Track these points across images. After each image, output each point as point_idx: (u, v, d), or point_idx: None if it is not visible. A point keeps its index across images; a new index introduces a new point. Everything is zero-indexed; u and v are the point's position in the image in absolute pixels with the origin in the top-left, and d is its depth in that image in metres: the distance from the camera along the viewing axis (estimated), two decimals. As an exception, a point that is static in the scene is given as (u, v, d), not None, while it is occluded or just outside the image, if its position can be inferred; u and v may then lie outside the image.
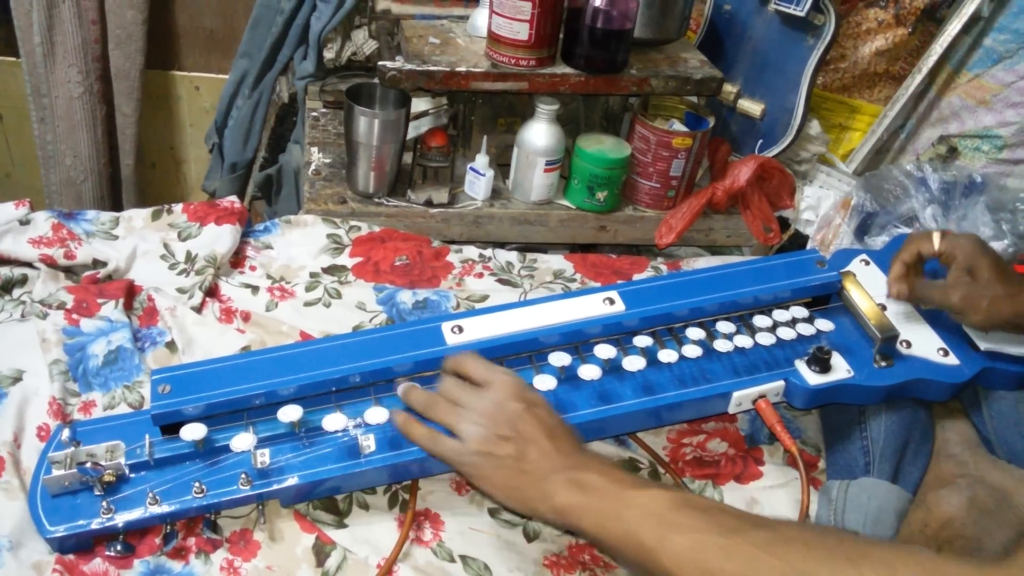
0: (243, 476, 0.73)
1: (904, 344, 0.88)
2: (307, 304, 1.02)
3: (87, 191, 1.79)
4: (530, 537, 0.78)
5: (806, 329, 0.89)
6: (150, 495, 0.71)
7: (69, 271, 1.01)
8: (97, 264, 1.00)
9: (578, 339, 0.86)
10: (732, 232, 1.33)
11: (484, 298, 1.06)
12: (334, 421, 0.75)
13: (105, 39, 1.64)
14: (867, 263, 0.97)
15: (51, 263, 0.98)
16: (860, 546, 0.55)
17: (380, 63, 1.15)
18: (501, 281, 1.11)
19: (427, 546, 0.76)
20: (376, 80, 1.18)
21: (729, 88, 1.38)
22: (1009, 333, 0.85)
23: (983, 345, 0.87)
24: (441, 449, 0.70)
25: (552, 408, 0.71)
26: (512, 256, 1.16)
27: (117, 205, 1.87)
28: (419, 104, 1.33)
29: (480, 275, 1.11)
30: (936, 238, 0.85)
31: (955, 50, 1.33)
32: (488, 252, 1.16)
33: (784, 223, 1.40)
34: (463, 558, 0.75)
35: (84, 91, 1.67)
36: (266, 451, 0.75)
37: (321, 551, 0.74)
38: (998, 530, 0.78)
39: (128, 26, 1.61)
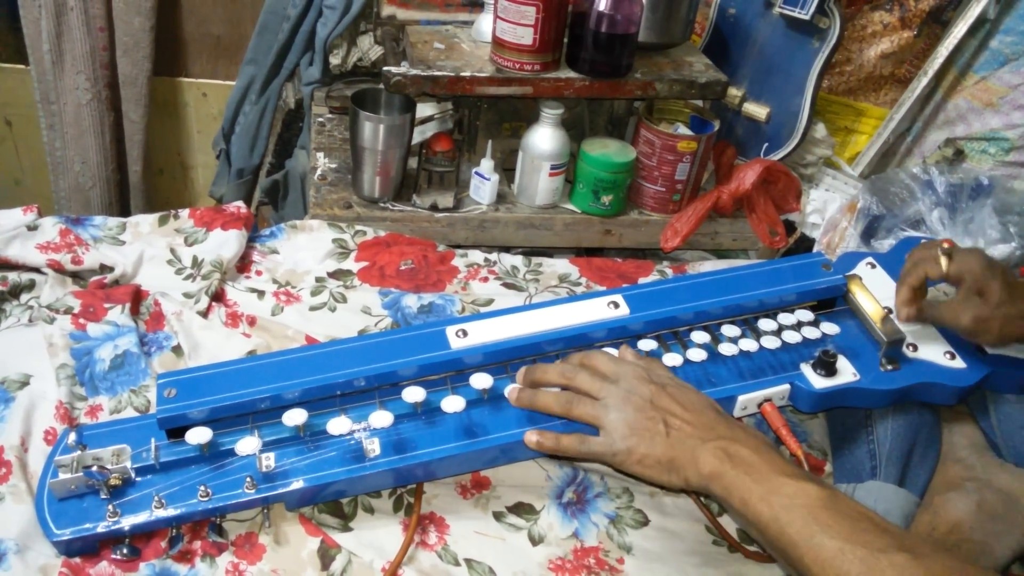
0: (248, 480, 0.73)
1: (910, 347, 0.87)
2: (312, 308, 1.02)
3: (95, 197, 1.80)
4: (535, 541, 0.78)
5: (811, 333, 0.88)
6: (156, 499, 0.71)
7: (76, 276, 1.01)
8: (104, 269, 1.01)
9: (583, 343, 0.86)
10: (738, 236, 1.33)
11: (489, 302, 1.06)
12: (339, 425, 0.76)
13: (113, 46, 1.65)
14: (873, 266, 0.97)
15: (58, 268, 0.99)
16: None
17: (385, 68, 1.15)
18: (506, 285, 1.11)
19: (432, 550, 0.76)
20: (381, 85, 1.18)
21: (734, 92, 1.38)
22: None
23: (990, 349, 0.86)
24: (591, 448, 0.72)
25: (686, 383, 0.74)
26: (517, 260, 1.16)
27: (125, 211, 1.88)
28: (424, 109, 1.34)
29: (485, 279, 1.12)
30: (943, 261, 0.83)
31: (961, 52, 1.32)
32: (493, 256, 1.16)
33: (790, 226, 1.40)
34: (468, 561, 0.76)
35: (92, 98, 1.68)
36: (271, 455, 0.75)
37: (326, 555, 0.74)
38: (1006, 534, 0.78)
39: (136, 33, 1.62)
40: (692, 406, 0.71)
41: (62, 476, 0.71)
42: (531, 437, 0.75)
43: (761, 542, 0.67)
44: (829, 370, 0.84)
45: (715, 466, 0.65)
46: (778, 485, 0.62)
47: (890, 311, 0.90)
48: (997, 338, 0.81)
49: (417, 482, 0.79)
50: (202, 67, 1.81)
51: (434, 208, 1.24)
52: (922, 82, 1.33)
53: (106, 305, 0.94)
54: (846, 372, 0.85)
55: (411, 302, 1.04)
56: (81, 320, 0.92)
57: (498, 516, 0.80)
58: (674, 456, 0.68)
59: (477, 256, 1.16)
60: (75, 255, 0.99)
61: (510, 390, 0.80)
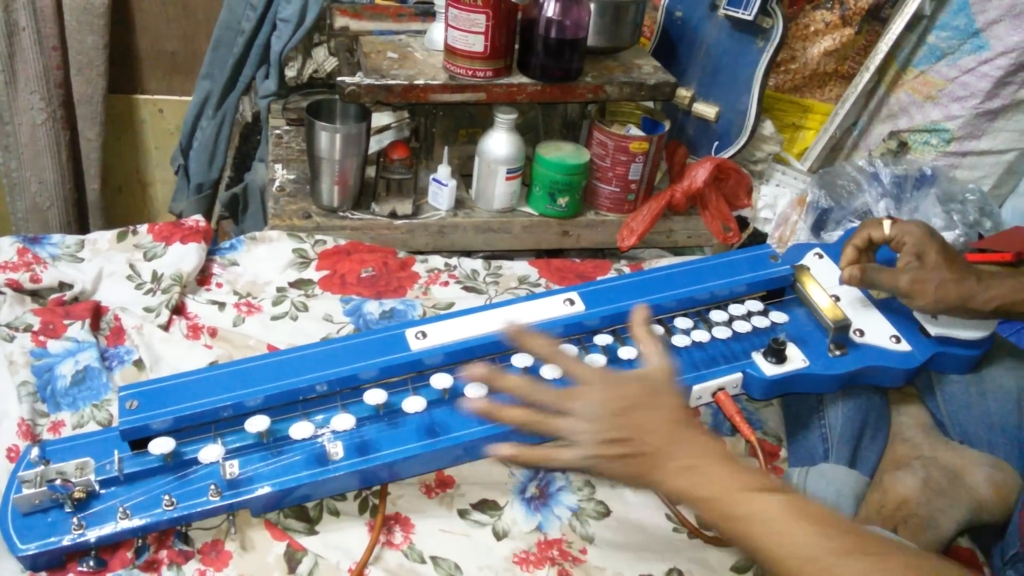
0: (212, 487, 0.74)
1: (857, 333, 0.90)
2: (274, 318, 1.03)
3: (53, 217, 1.78)
4: (499, 536, 0.80)
5: (761, 322, 0.91)
6: (121, 510, 0.72)
7: (35, 295, 1.01)
8: (63, 287, 1.01)
9: (540, 340, 0.88)
10: (692, 233, 1.36)
11: (450, 306, 1.07)
12: (301, 429, 0.76)
13: (67, 65, 1.64)
14: (820, 256, 1.00)
15: (17, 287, 0.99)
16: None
17: (339, 79, 1.17)
18: (467, 288, 1.12)
19: (398, 549, 0.77)
20: (336, 96, 1.20)
21: (684, 92, 1.41)
22: (957, 318, 0.88)
23: (933, 331, 0.89)
24: (561, 462, 0.69)
25: (653, 388, 0.70)
26: (477, 264, 1.18)
27: (84, 230, 1.86)
28: (381, 118, 1.35)
29: (446, 283, 1.13)
30: (887, 224, 0.87)
31: (901, 48, 1.37)
32: (453, 261, 1.18)
33: (743, 222, 1.43)
34: (434, 559, 0.77)
35: (47, 117, 1.67)
36: (235, 462, 0.76)
37: (292, 558, 0.75)
38: (951, 508, 0.81)
39: (89, 51, 1.62)
40: (659, 423, 0.68)
41: (26, 491, 0.71)
42: (503, 451, 0.71)
43: (743, 553, 0.69)
44: (779, 358, 0.87)
45: (684, 485, 0.66)
46: (743, 501, 0.63)
47: (837, 298, 0.93)
48: (932, 301, 0.83)
49: (382, 483, 0.80)
50: (157, 83, 1.81)
51: (393, 215, 1.26)
52: (864, 77, 1.38)
53: (66, 322, 0.94)
54: (796, 359, 0.87)
55: (373, 308, 1.05)
56: (41, 337, 0.92)
57: (463, 513, 0.81)
58: (638, 475, 0.68)
59: (437, 261, 1.17)
60: (33, 274, 0.99)
61: (465, 400, 0.74)
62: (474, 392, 0.79)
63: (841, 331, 0.89)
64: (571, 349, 0.81)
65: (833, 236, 1.30)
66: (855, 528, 0.61)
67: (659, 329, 0.89)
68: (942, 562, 0.60)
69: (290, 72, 1.52)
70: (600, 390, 0.68)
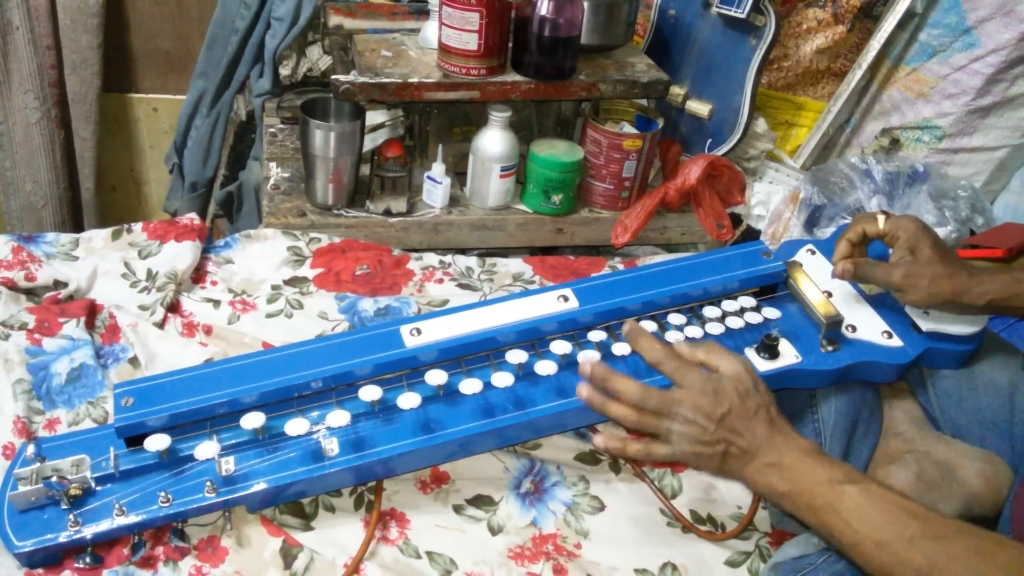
0: (208, 484, 0.74)
1: (849, 328, 0.91)
2: (269, 316, 1.03)
3: (48, 216, 1.78)
4: (494, 531, 0.80)
5: (754, 318, 0.92)
6: (117, 506, 0.72)
7: (30, 293, 1.01)
8: (58, 285, 1.01)
9: (534, 336, 0.88)
10: (686, 230, 1.37)
11: (445, 303, 1.08)
12: (297, 426, 0.77)
13: (61, 64, 1.64)
14: (813, 252, 1.00)
15: (12, 286, 0.99)
16: None
17: (333, 77, 1.17)
18: (461, 286, 1.13)
19: (393, 544, 0.78)
20: (331, 94, 1.20)
21: (677, 90, 1.42)
22: (949, 313, 0.88)
23: (925, 326, 0.90)
24: (657, 456, 0.75)
25: (746, 391, 0.73)
26: (472, 261, 1.18)
27: (79, 229, 1.85)
28: (376, 116, 1.36)
29: (440, 281, 1.13)
30: (880, 219, 0.88)
31: (892, 46, 1.37)
32: (448, 258, 1.18)
33: (736, 219, 1.44)
34: (429, 554, 0.77)
35: (42, 116, 1.67)
36: (231, 458, 0.76)
37: (288, 554, 0.75)
38: (943, 502, 0.82)
39: (83, 51, 1.62)
40: (748, 426, 0.72)
41: (22, 488, 0.71)
42: (598, 440, 0.76)
43: (827, 541, 0.73)
44: (772, 353, 0.87)
45: (766, 486, 0.71)
46: (819, 494, 0.68)
47: (829, 294, 0.93)
48: (925, 296, 0.84)
49: (377, 479, 0.81)
50: (152, 82, 1.81)
51: (388, 213, 1.26)
52: (857, 75, 1.38)
53: (61, 320, 0.94)
54: (788, 354, 0.88)
55: (367, 306, 1.05)
56: (36, 335, 0.92)
57: (458, 509, 0.82)
58: (728, 472, 0.73)
59: (432, 259, 1.18)
60: (28, 272, 0.99)
61: (581, 386, 0.77)
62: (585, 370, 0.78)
63: (833, 327, 0.89)
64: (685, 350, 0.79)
65: (826, 233, 1.31)
66: (925, 513, 0.65)
67: (651, 326, 0.90)
68: (1004, 542, 0.63)
69: (284, 71, 1.52)
70: (698, 395, 0.73)
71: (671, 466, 0.88)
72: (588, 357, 0.84)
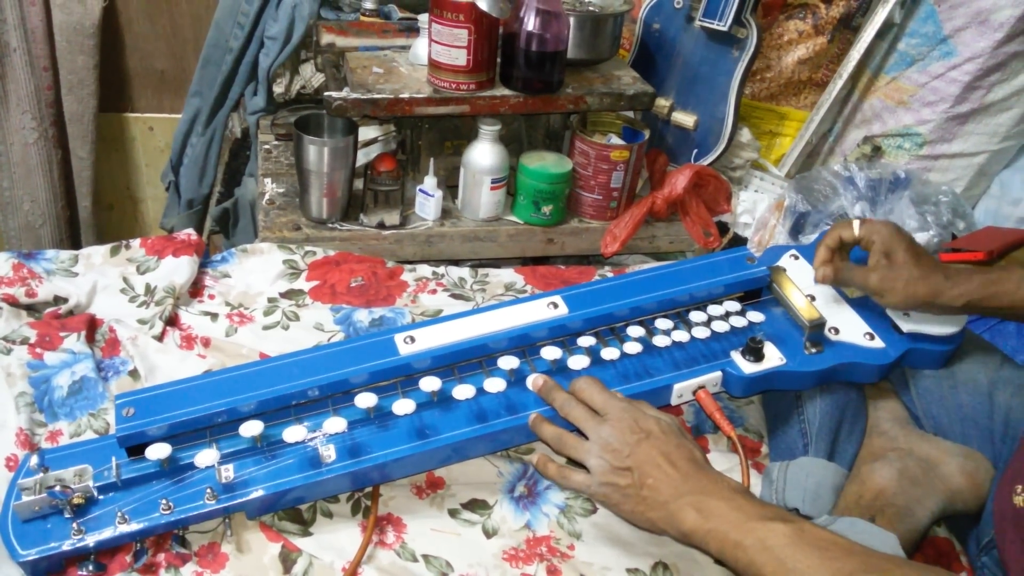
0: (209, 491, 0.75)
1: (832, 331, 0.93)
2: (266, 328, 1.05)
3: (46, 234, 1.80)
4: (489, 534, 0.82)
5: (739, 322, 0.94)
6: (119, 514, 0.73)
7: (31, 308, 1.03)
8: (58, 300, 1.03)
9: (525, 343, 0.90)
10: (674, 238, 1.39)
11: (438, 313, 1.09)
12: (295, 433, 0.78)
13: (58, 85, 1.67)
14: (796, 258, 1.03)
15: (13, 302, 1.01)
16: None
17: (326, 93, 1.19)
18: (454, 296, 1.15)
19: (390, 548, 0.79)
20: (324, 110, 1.22)
21: (662, 102, 1.44)
22: (928, 314, 0.90)
23: (906, 328, 0.92)
24: (572, 483, 0.76)
25: (670, 429, 0.74)
26: (464, 272, 1.20)
27: (76, 247, 1.86)
28: (369, 132, 1.38)
29: (434, 291, 1.16)
30: (856, 225, 0.91)
31: (872, 56, 1.40)
32: (441, 270, 1.20)
33: (723, 227, 1.46)
34: (425, 557, 0.79)
35: (39, 136, 1.69)
36: (230, 466, 0.78)
37: (287, 558, 0.77)
38: (926, 498, 0.84)
39: (80, 71, 1.64)
40: (670, 458, 0.72)
41: (26, 498, 0.73)
42: (532, 457, 0.80)
43: None
44: (757, 356, 0.89)
45: (692, 523, 0.68)
46: (749, 530, 0.66)
47: (813, 298, 0.96)
48: (902, 298, 0.87)
49: (373, 485, 0.82)
50: (147, 102, 1.84)
51: (381, 226, 1.28)
52: (838, 84, 1.41)
53: (62, 334, 0.96)
54: (773, 357, 0.90)
55: (362, 317, 1.07)
56: (38, 349, 0.94)
57: (453, 513, 0.83)
58: (643, 511, 0.71)
59: (425, 270, 1.20)
60: (29, 288, 1.01)
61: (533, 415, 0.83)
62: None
63: (816, 329, 0.92)
64: (595, 384, 0.81)
65: (811, 239, 1.33)
66: (864, 550, 0.63)
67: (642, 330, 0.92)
68: (944, 574, 0.62)
69: (278, 88, 1.55)
70: (617, 421, 0.73)
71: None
72: (535, 380, 0.84)
